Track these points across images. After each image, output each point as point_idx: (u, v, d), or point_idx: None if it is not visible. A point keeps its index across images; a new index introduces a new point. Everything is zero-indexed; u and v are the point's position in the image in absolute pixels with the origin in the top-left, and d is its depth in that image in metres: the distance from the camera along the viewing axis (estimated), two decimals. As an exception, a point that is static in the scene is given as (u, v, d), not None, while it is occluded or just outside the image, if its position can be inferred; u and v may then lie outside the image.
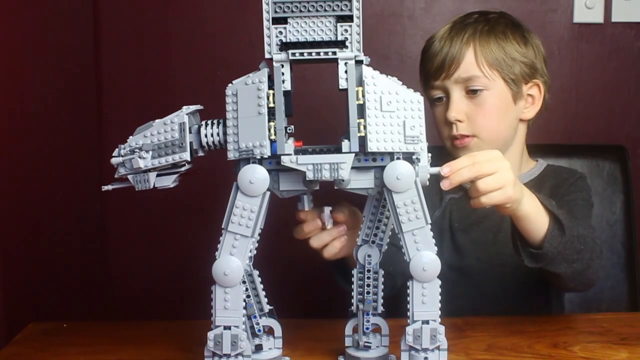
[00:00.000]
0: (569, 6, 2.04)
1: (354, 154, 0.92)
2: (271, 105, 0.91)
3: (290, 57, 0.90)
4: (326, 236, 1.10)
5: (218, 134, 0.94)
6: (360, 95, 0.91)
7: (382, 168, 0.93)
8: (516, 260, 1.14)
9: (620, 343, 1.12)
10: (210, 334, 0.96)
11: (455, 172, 0.97)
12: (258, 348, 1.03)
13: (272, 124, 0.91)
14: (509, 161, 1.36)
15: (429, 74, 1.35)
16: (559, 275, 1.14)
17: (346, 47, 0.90)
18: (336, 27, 0.90)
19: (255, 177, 0.92)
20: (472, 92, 1.30)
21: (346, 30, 0.90)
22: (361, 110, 0.91)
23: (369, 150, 0.91)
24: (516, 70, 1.32)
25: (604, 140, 2.00)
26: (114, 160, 0.96)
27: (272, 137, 0.91)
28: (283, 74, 0.91)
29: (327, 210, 1.07)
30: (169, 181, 0.96)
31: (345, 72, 0.90)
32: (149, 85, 2.05)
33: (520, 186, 1.04)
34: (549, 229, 1.07)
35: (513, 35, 1.33)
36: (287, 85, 0.91)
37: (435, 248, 0.94)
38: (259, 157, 0.92)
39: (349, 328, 1.06)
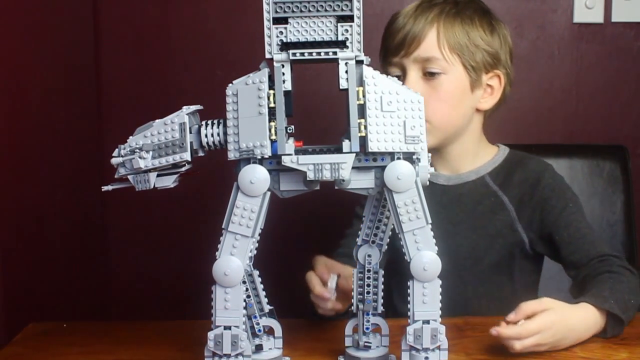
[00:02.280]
0: (569, 6, 2.03)
1: (354, 154, 0.91)
2: (272, 105, 0.91)
3: (291, 57, 0.90)
4: (330, 305, 1.13)
5: (218, 134, 0.94)
6: (360, 95, 0.91)
7: (383, 168, 0.93)
8: (477, 253, 1.11)
9: (620, 343, 1.12)
10: (211, 334, 0.95)
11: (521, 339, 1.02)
12: (258, 348, 1.03)
13: (272, 124, 0.91)
14: (461, 151, 1.32)
15: (388, 50, 1.31)
16: None
17: (347, 47, 0.90)
18: (337, 27, 0.90)
19: (256, 177, 0.92)
20: (429, 75, 1.27)
21: (347, 30, 0.90)
22: (362, 110, 0.91)
23: (370, 150, 0.91)
24: (478, 57, 1.28)
25: (604, 140, 2.00)
26: (114, 161, 0.96)
27: (273, 137, 0.91)
28: (283, 74, 0.91)
29: (333, 282, 1.11)
30: (169, 181, 0.96)
31: (346, 72, 0.90)
32: (149, 85, 2.05)
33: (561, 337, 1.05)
34: (607, 325, 1.10)
35: (480, 21, 1.30)
36: (288, 85, 0.91)
37: (436, 248, 0.94)
38: (259, 157, 0.92)
39: (349, 328, 1.06)
